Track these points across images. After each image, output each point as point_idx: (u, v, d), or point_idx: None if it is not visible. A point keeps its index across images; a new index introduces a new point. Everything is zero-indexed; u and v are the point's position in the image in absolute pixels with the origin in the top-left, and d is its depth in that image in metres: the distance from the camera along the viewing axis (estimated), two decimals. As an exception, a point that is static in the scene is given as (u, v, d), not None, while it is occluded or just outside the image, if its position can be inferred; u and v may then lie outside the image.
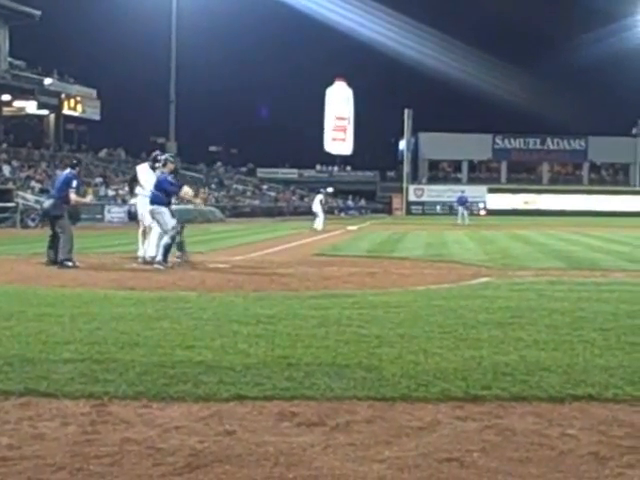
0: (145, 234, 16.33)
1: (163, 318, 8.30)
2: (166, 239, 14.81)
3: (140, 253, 16.26)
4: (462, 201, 50.33)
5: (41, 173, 54.39)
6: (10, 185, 46.01)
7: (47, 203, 15.98)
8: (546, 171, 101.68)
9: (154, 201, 15.14)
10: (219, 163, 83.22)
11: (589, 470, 3.99)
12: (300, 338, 7.17)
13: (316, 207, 37.28)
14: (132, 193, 16.54)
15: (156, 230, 15.72)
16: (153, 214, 15.17)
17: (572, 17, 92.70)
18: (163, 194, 15.20)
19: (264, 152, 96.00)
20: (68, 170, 15.96)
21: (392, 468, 3.98)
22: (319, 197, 37.88)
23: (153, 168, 16.45)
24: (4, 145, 59.95)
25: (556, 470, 3.98)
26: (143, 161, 18.14)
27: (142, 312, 8.76)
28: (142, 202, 16.31)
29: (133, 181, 16.75)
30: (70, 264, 14.58)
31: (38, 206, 14.82)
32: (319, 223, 36.14)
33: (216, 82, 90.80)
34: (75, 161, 16.82)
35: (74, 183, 15.30)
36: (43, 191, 43.02)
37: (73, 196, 15.43)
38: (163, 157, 16.06)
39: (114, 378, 5.65)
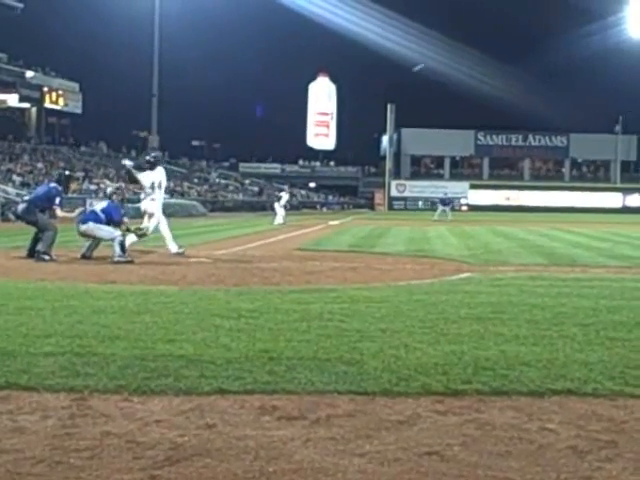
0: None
1: (144, 312, 8.28)
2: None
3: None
4: (445, 202, 52.02)
5: (22, 166, 54.08)
6: (-9, 178, 45.83)
7: (21, 207, 15.66)
8: (528, 167, 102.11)
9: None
10: (216, 161, 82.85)
11: (568, 464, 4.01)
12: (281, 332, 7.16)
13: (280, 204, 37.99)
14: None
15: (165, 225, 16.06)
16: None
17: (556, 15, 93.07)
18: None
19: (247, 147, 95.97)
20: (53, 184, 15.85)
21: (372, 462, 3.99)
22: (285, 195, 38.67)
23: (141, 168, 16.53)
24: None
25: (535, 464, 4.00)
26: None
27: (123, 306, 8.73)
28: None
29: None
30: (47, 258, 14.47)
31: (16, 205, 14.68)
32: (279, 219, 36.87)
33: (199, 77, 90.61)
34: (67, 172, 16.64)
35: (57, 200, 15.18)
36: (24, 185, 42.67)
37: (59, 212, 15.40)
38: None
39: (95, 372, 5.63)
